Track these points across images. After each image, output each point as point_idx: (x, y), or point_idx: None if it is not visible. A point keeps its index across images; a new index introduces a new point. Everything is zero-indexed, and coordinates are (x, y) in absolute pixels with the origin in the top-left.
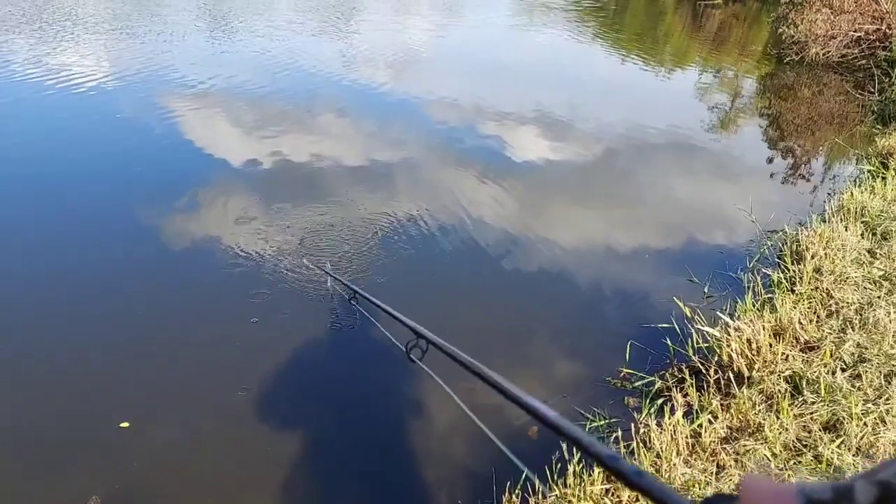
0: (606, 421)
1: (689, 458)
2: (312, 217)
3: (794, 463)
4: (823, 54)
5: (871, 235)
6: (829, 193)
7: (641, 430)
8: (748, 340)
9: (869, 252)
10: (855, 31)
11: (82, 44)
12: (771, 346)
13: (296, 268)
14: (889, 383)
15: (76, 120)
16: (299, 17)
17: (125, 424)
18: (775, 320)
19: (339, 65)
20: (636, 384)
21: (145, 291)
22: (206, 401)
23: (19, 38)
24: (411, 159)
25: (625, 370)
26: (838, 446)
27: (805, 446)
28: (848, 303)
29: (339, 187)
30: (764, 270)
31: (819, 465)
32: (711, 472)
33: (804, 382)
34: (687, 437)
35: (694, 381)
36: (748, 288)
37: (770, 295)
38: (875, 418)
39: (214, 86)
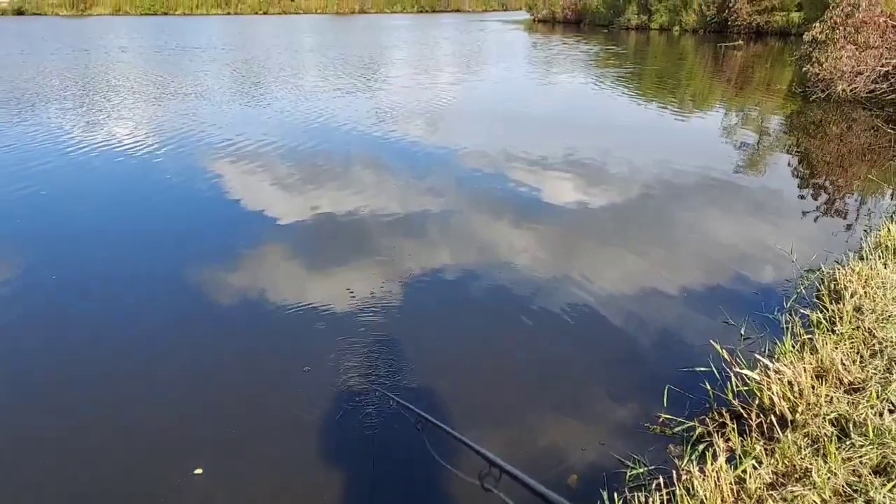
0: (647, 468)
1: None
2: (364, 275)
3: None
4: (851, 91)
5: None
6: (865, 230)
7: (684, 478)
8: (789, 383)
9: None
10: (882, 66)
11: (128, 112)
12: (814, 388)
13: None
14: None
15: (130, 181)
16: (328, 79)
17: (199, 471)
18: (816, 361)
19: (371, 121)
20: (675, 430)
21: (209, 345)
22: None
23: (69, 108)
24: (449, 209)
25: (663, 415)
26: (890, 490)
27: (856, 491)
28: (892, 342)
29: (385, 239)
30: (802, 310)
31: None
32: None
33: (851, 425)
34: (731, 484)
35: (735, 426)
36: (786, 329)
37: (810, 335)
38: None
39: (255, 146)
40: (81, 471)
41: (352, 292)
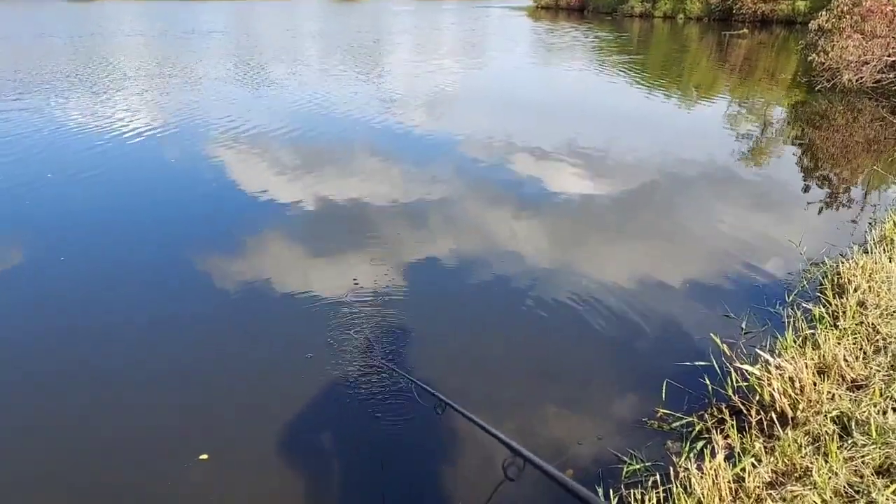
0: (644, 464)
1: None
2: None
3: None
4: (856, 80)
5: None
6: (869, 223)
7: (681, 475)
8: (790, 379)
9: None
10: (889, 55)
11: (131, 98)
12: (815, 384)
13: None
14: None
15: (135, 165)
16: (342, 64)
17: (204, 457)
18: (818, 357)
19: (386, 108)
20: (674, 425)
21: (215, 333)
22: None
23: (76, 94)
24: (449, 198)
25: (661, 410)
26: (893, 492)
27: (857, 492)
28: None
29: (390, 227)
30: (804, 304)
31: None
32: None
33: (853, 423)
34: (729, 482)
35: (735, 422)
36: (788, 323)
37: (812, 330)
38: None
39: (260, 131)
40: (88, 457)
41: (356, 280)
